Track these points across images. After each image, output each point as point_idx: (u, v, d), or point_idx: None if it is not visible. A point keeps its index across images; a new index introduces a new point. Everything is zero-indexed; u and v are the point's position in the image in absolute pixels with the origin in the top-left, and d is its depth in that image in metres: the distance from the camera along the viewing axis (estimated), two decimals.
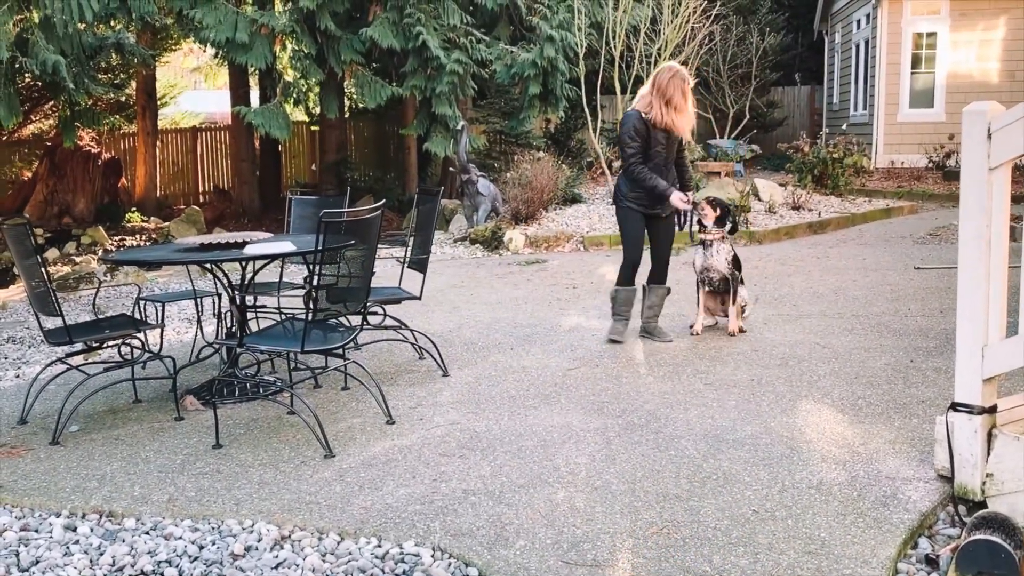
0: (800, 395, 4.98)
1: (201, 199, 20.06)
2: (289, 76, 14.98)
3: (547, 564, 3.18)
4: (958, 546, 3.13)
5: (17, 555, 3.44)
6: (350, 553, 3.37)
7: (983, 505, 3.52)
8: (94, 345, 5.03)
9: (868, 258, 9.61)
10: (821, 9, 21.93)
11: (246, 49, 13.38)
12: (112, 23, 14.67)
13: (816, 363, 5.61)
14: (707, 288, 6.57)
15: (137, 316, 5.51)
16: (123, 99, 19.54)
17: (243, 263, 5.13)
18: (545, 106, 14.87)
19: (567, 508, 3.61)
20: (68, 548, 3.49)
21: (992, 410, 3.56)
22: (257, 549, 3.42)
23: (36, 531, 3.66)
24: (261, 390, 5.22)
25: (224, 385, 5.21)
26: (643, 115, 6.11)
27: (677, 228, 6.43)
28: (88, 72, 14.23)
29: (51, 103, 18.13)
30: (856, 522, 3.42)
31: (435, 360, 5.76)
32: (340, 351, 4.80)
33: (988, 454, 3.54)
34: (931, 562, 3.20)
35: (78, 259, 14.09)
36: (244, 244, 5.01)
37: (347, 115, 18.89)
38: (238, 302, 5.15)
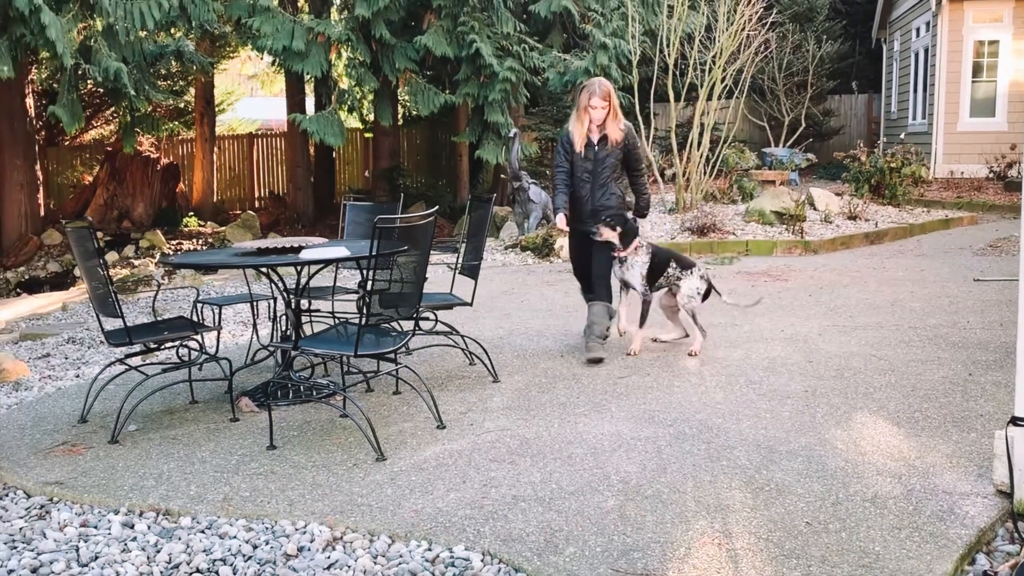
0: (855, 407, 4.91)
1: (257, 204, 20.36)
2: (344, 84, 15.16)
3: (597, 571, 3.17)
4: (1017, 563, 3.07)
5: (77, 551, 3.52)
6: (401, 556, 3.39)
7: None
8: (152, 346, 5.12)
9: (926, 269, 9.45)
10: (879, 17, 21.63)
11: (302, 57, 13.58)
12: (172, 31, 15.00)
13: (872, 375, 5.53)
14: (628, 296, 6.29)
15: (194, 319, 5.61)
16: (182, 105, 19.94)
17: (298, 268, 5.19)
18: None
19: (617, 516, 3.60)
20: (126, 545, 3.56)
21: None
22: (309, 550, 3.46)
23: (95, 527, 3.74)
24: (314, 393, 5.28)
25: (278, 387, 5.28)
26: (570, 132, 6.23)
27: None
28: (148, 79, 14.55)
29: (112, 109, 18.57)
30: (912, 536, 3.36)
31: (485, 366, 5.78)
32: (392, 356, 4.84)
33: None
34: None
35: (136, 262, 14.38)
36: (300, 249, 5.07)
37: (400, 122, 19.06)
38: (293, 306, 5.22)
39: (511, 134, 12.34)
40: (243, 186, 20.89)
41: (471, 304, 5.97)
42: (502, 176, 15.42)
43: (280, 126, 21.81)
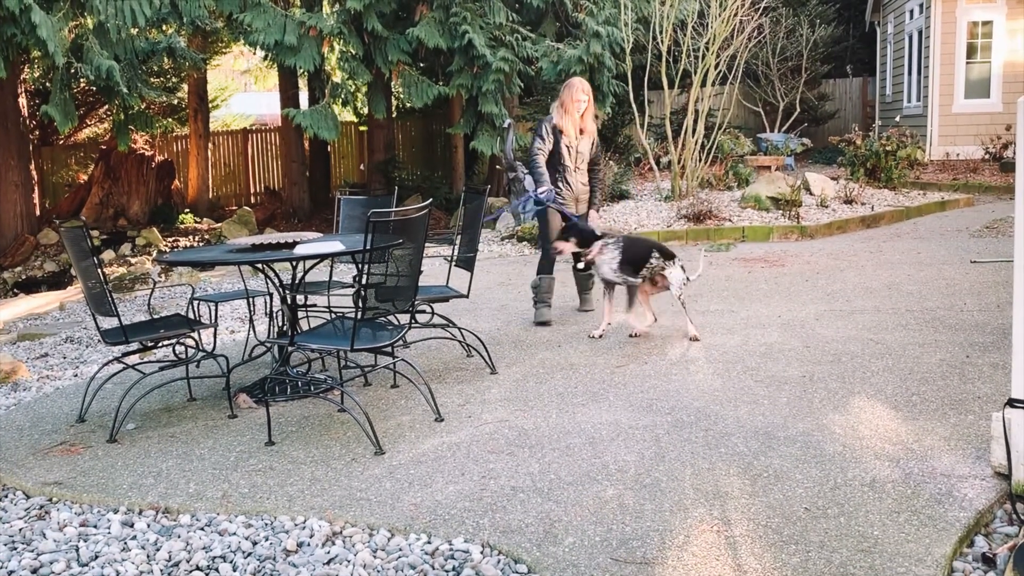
0: (853, 391, 4.92)
1: (252, 200, 20.33)
2: (337, 77, 15.10)
3: (596, 561, 3.17)
4: (1016, 544, 3.07)
5: (77, 550, 3.52)
6: (400, 549, 3.39)
7: None
8: (149, 345, 5.12)
9: (922, 252, 9.45)
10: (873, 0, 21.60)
11: (295, 51, 13.53)
12: (164, 28, 14.94)
13: (869, 359, 5.53)
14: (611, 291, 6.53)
15: (191, 316, 5.60)
16: (175, 102, 19.89)
17: (294, 263, 5.19)
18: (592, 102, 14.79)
19: (616, 506, 3.61)
20: (126, 543, 3.57)
21: None
22: (309, 545, 3.47)
23: (95, 527, 3.74)
24: (312, 388, 5.28)
25: (276, 383, 5.28)
26: (553, 121, 6.81)
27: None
28: (141, 76, 14.50)
29: (105, 107, 18.53)
30: (910, 520, 3.37)
31: (483, 358, 5.78)
32: (389, 349, 4.84)
33: None
34: (988, 561, 3.14)
35: (133, 260, 14.36)
36: (294, 244, 5.07)
37: (394, 115, 19.03)
38: (289, 301, 5.21)
39: (506, 124, 12.32)
40: (238, 182, 20.86)
41: (467, 296, 5.97)
42: (497, 167, 15.41)
43: (274, 121, 21.77)
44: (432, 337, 6.34)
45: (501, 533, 3.42)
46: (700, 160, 13.34)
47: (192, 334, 5.19)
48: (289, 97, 17.84)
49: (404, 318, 5.48)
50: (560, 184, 6.83)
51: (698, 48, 13.22)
